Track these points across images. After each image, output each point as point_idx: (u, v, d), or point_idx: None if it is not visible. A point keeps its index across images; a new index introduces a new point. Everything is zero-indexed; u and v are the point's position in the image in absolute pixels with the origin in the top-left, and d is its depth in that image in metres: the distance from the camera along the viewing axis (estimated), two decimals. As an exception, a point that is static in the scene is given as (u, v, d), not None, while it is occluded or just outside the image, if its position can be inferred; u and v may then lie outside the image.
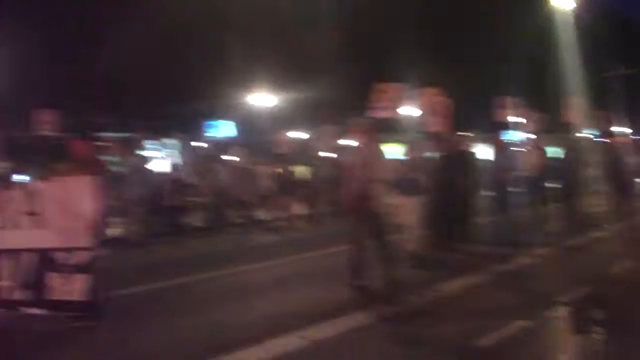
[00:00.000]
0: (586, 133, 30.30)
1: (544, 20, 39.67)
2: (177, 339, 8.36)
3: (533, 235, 16.53)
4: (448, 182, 14.12)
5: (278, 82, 34.21)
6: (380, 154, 11.08)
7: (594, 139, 30.37)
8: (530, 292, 10.56)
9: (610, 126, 30.35)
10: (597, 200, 21.73)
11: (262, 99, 34.43)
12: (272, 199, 23.14)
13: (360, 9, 35.69)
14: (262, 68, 34.11)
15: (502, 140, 18.49)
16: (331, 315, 9.03)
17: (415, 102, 17.51)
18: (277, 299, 10.39)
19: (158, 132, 32.04)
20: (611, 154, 21.97)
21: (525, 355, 7.41)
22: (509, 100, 21.25)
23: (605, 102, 51.08)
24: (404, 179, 13.79)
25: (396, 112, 17.00)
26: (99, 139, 25.81)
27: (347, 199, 10.97)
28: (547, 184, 20.08)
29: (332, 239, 13.28)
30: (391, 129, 19.68)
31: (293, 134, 30.54)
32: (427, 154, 14.74)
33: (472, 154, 17.61)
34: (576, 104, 23.65)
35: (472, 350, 7.38)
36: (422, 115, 16.85)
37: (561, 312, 9.03)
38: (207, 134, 35.37)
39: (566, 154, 20.46)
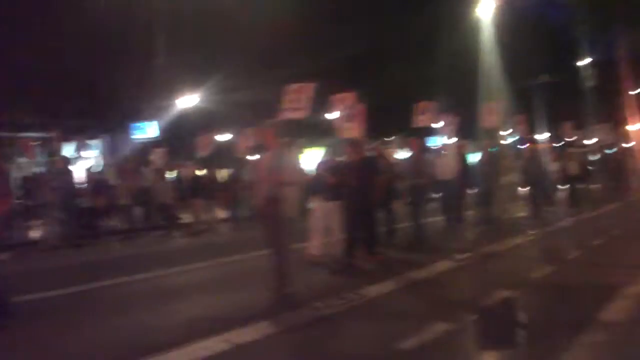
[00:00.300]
0: (508, 138, 30.86)
1: (468, 25, 40.27)
2: (97, 342, 8.27)
3: (453, 240, 16.79)
4: (362, 187, 13.81)
5: (203, 84, 33.95)
6: (290, 157, 10.78)
7: (515, 145, 31.02)
8: (450, 296, 10.65)
9: (529, 132, 31.01)
10: (516, 206, 22.23)
11: (187, 100, 34.09)
12: (193, 202, 22.94)
13: (283, 11, 35.71)
14: (187, 69, 33.83)
15: (420, 145, 18.37)
16: (253, 319, 8.99)
17: (333, 106, 17.07)
18: (199, 303, 10.38)
19: (80, 132, 31.44)
20: (532, 160, 22.43)
21: (444, 358, 7.47)
22: (428, 104, 21.37)
23: (530, 109, 52.41)
24: (323, 183, 13.93)
25: (306, 114, 16.52)
26: (14, 139, 25.26)
27: (258, 203, 10.83)
28: (466, 190, 20.34)
29: (252, 243, 13.22)
30: (315, 132, 19.60)
31: (216, 136, 30.29)
32: (344, 159, 14.66)
33: (386, 159, 17.92)
34: (494, 109, 23.86)
35: (392, 353, 7.42)
36: (337, 120, 16.60)
37: (481, 316, 9.11)
38: (132, 136, 34.88)
39: (485, 159, 20.53)
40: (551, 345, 7.49)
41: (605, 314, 8.70)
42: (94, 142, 33.59)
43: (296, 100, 16.30)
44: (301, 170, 11.06)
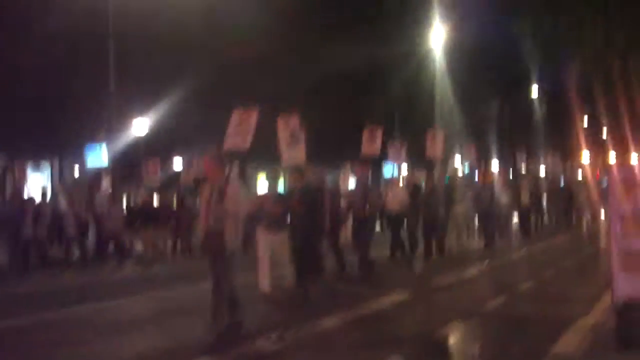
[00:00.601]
0: (460, 168, 30.94)
1: (422, 53, 40.64)
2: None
3: (402, 273, 16.69)
4: (307, 217, 13.59)
5: (155, 108, 33.60)
6: (233, 186, 10.19)
7: (465, 174, 31.07)
8: (403, 327, 10.56)
9: (481, 161, 31.13)
10: (466, 237, 22.18)
11: (140, 124, 33.65)
12: (142, 230, 22.47)
13: (233, 34, 35.83)
14: (140, 93, 33.52)
15: (365, 174, 18.10)
16: (195, 354, 8.82)
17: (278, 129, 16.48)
18: (139, 337, 10.14)
19: (30, 157, 30.92)
20: (484, 190, 22.40)
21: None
22: (376, 131, 20.80)
23: (483, 138, 52.94)
24: (267, 213, 13.35)
25: (248, 141, 15.38)
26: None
27: (201, 235, 10.47)
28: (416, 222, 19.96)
29: (201, 273, 12.92)
30: (263, 159, 19.10)
31: (165, 162, 29.85)
32: (290, 187, 14.46)
33: (330, 188, 17.09)
34: (438, 137, 23.52)
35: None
36: (280, 145, 15.69)
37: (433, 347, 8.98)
38: (84, 160, 34.28)
39: (429, 190, 20.38)
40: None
41: (558, 346, 8.64)
42: (43, 166, 33.03)
43: (240, 127, 15.35)
44: (244, 201, 10.42)
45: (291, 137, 15.28)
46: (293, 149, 15.07)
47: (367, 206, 16.67)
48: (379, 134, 20.30)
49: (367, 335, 10.11)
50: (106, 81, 28.44)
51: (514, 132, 57.00)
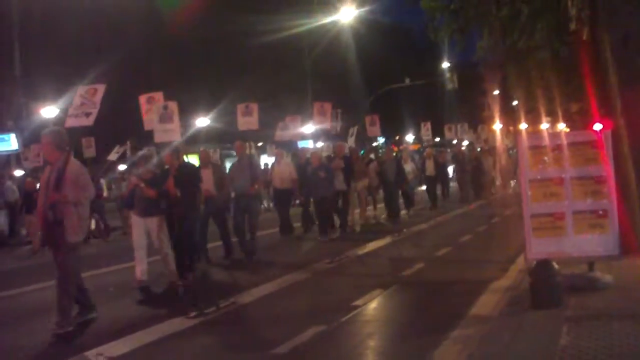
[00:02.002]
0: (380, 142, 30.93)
1: (334, 29, 40.74)
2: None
3: (315, 245, 16.70)
4: (183, 198, 12.39)
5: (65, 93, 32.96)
6: (75, 169, 8.98)
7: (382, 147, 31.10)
8: (323, 299, 10.68)
9: (385, 132, 31.15)
10: (371, 210, 22.25)
11: (49, 111, 32.88)
12: (26, 217, 21.55)
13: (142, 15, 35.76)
14: (49, 78, 32.86)
15: (242, 149, 16.56)
16: (125, 332, 8.77)
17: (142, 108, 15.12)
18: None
19: None
20: (389, 162, 22.34)
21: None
22: (253, 106, 20.15)
23: (395, 112, 53.49)
24: (140, 196, 12.03)
25: (92, 119, 14.22)
26: None
27: (39, 225, 9.38)
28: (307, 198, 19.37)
29: (120, 254, 12.75)
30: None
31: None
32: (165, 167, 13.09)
33: (215, 164, 16.24)
34: (327, 108, 22.95)
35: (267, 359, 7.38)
36: (147, 121, 14.43)
37: (355, 316, 9.19)
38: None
39: (316, 165, 18.47)
40: (422, 342, 7.63)
41: (476, 307, 8.96)
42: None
43: (85, 105, 14.00)
44: (87, 187, 9.11)
45: (163, 112, 13.95)
46: (165, 125, 13.85)
47: (252, 184, 15.41)
48: (253, 108, 19.74)
49: (285, 307, 10.18)
50: (12, 66, 27.85)
51: (427, 104, 57.91)
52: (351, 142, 26.28)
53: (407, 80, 54.22)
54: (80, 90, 14.14)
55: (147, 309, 10.54)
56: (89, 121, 14.09)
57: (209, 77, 41.10)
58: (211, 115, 38.23)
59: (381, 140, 62.66)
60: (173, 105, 13.81)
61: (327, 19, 37.59)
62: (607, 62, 10.81)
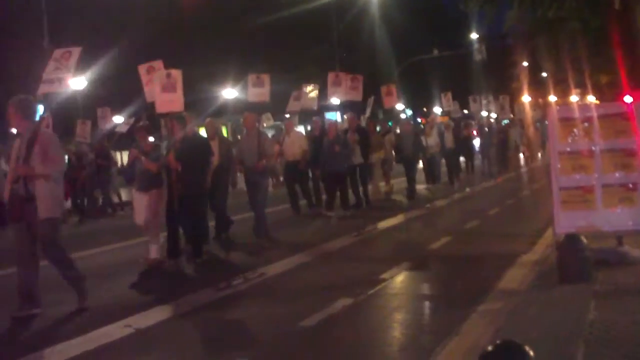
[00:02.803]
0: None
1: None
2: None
3: (317, 229, 16.00)
4: (188, 171, 11.57)
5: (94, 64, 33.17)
6: (45, 140, 8.46)
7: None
8: (349, 272, 10.65)
9: (397, 102, 30.24)
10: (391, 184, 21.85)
11: (80, 81, 33.02)
12: None
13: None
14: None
15: (252, 122, 15.30)
16: (153, 304, 8.86)
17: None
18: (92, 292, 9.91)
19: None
20: (406, 135, 21.56)
21: (347, 333, 7.48)
22: (264, 77, 17.65)
23: (424, 84, 53.08)
24: (141, 171, 11.66)
25: (63, 85, 13.21)
26: None
27: (6, 200, 8.68)
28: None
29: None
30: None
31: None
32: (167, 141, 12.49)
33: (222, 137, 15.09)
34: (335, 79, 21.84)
35: (295, 331, 7.37)
36: (151, 91, 13.22)
37: (382, 289, 9.19)
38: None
39: (333, 137, 17.47)
40: (449, 315, 7.62)
41: (503, 282, 8.93)
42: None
43: (59, 69, 12.99)
44: (59, 159, 8.68)
45: (165, 81, 12.72)
46: (168, 94, 12.71)
47: (262, 160, 14.41)
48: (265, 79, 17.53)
49: (313, 280, 10.18)
50: (41, 38, 27.96)
51: (453, 76, 57.45)
52: (367, 113, 25.87)
53: (436, 52, 53.90)
54: (55, 54, 13.23)
55: (176, 281, 10.64)
56: (62, 87, 13.19)
57: (237, 48, 41.03)
58: (239, 87, 38.20)
59: (409, 112, 62.51)
60: (176, 74, 12.74)
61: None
62: (638, 32, 10.65)
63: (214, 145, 13.48)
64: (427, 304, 8.61)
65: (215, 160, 13.00)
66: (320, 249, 12.58)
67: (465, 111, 40.10)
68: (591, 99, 29.41)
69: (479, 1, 12.62)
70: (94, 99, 32.58)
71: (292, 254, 12.02)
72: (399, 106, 50.16)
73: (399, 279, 9.87)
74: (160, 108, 12.58)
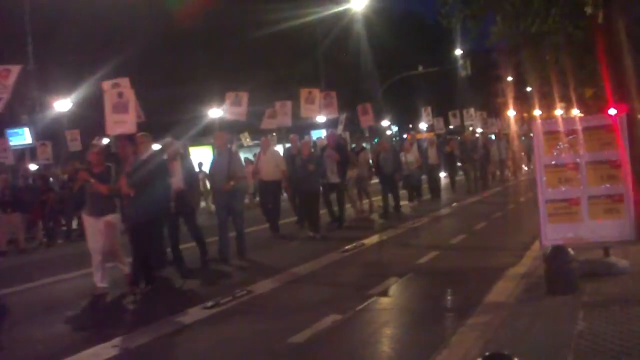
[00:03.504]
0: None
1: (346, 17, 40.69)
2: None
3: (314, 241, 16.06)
4: (141, 195, 10.84)
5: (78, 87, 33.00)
6: None
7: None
8: (338, 288, 10.70)
9: (375, 121, 29.75)
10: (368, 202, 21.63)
11: (62, 104, 32.84)
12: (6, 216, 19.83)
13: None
14: (61, 73, 33.02)
15: (223, 142, 14.96)
16: (142, 324, 8.85)
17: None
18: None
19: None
20: (387, 152, 21.29)
21: (337, 348, 7.48)
22: (242, 95, 18.26)
23: (409, 100, 53.19)
24: (91, 194, 11.09)
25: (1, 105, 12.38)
26: None
27: None
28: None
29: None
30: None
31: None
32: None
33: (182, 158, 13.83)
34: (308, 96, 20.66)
35: (285, 347, 7.37)
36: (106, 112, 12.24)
37: (371, 304, 9.19)
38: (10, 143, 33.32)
39: (306, 156, 16.94)
40: (439, 329, 7.62)
41: (491, 294, 8.92)
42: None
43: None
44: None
45: (118, 100, 12.01)
46: (119, 115, 11.94)
47: (230, 182, 13.95)
48: (243, 97, 17.90)
49: (302, 297, 10.23)
50: (25, 59, 27.88)
51: (438, 93, 57.59)
52: (339, 130, 25.70)
53: (420, 68, 54.05)
54: None
55: (164, 301, 10.59)
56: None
57: (222, 68, 41.09)
58: (224, 106, 38.17)
59: (395, 129, 62.66)
60: (129, 93, 12.01)
61: (339, 8, 37.52)
62: (621, 45, 10.73)
63: (175, 167, 12.84)
64: (415, 318, 8.60)
65: (176, 183, 12.48)
66: (306, 267, 12.51)
67: (452, 126, 40.08)
68: (576, 112, 29.53)
69: (461, 17, 12.67)
70: (80, 120, 32.47)
71: (278, 272, 11.96)
72: (385, 123, 50.34)
73: (387, 294, 9.86)
74: (110, 129, 11.97)
